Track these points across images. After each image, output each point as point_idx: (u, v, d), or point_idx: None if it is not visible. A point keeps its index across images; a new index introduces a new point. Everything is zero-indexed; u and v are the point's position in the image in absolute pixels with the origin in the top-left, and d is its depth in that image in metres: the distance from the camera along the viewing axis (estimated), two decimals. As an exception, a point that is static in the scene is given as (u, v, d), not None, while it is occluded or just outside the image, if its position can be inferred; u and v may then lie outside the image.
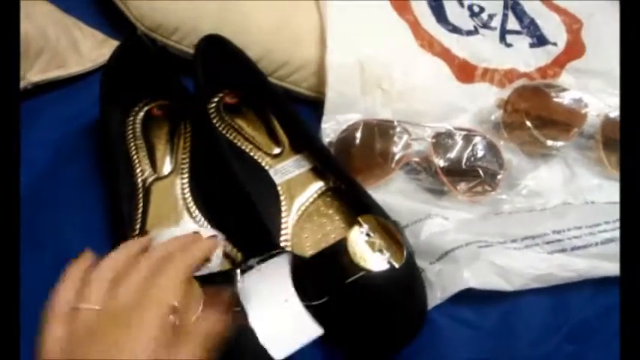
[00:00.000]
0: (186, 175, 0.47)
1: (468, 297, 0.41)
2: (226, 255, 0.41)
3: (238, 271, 0.36)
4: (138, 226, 0.43)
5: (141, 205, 0.45)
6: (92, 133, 0.49)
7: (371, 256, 0.38)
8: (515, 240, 0.45)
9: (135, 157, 0.47)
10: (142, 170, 0.47)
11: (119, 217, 0.43)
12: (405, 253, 0.38)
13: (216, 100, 0.51)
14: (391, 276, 0.38)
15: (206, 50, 0.47)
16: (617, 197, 0.50)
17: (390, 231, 0.39)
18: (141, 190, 0.45)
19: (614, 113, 0.52)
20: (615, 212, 0.47)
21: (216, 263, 0.38)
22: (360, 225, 0.39)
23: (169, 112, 0.50)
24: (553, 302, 0.43)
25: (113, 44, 0.55)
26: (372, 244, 0.39)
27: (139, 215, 0.44)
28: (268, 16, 0.53)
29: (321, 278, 0.39)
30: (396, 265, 0.38)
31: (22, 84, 0.49)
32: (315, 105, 0.53)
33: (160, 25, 0.52)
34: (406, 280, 0.40)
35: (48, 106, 0.51)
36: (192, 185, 0.46)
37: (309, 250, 0.43)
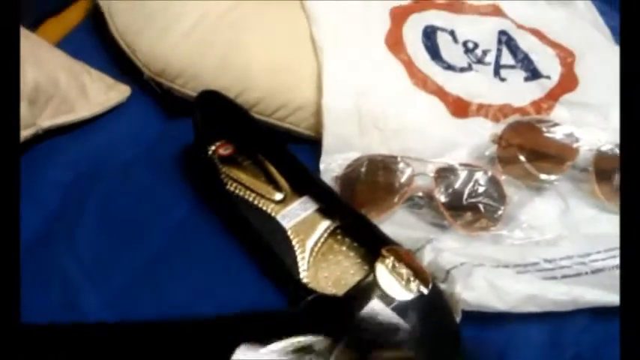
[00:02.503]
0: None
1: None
2: None
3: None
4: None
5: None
6: (102, 174, 0.51)
7: (401, 286, 0.40)
8: (508, 266, 0.45)
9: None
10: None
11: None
12: (430, 276, 0.40)
13: (209, 152, 0.52)
14: (425, 300, 0.39)
15: (201, 104, 0.49)
16: (611, 229, 0.51)
17: (410, 258, 0.41)
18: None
19: (606, 147, 0.53)
20: (606, 242, 0.48)
21: None
22: (384, 257, 0.41)
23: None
24: (546, 338, 0.44)
25: (121, 88, 0.58)
26: (400, 274, 0.40)
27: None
28: (269, 60, 0.55)
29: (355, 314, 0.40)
30: (425, 291, 0.39)
31: (33, 130, 0.50)
32: (315, 144, 0.54)
33: (163, 70, 0.55)
34: (438, 302, 0.41)
35: (58, 148, 0.53)
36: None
37: (331, 289, 0.44)
